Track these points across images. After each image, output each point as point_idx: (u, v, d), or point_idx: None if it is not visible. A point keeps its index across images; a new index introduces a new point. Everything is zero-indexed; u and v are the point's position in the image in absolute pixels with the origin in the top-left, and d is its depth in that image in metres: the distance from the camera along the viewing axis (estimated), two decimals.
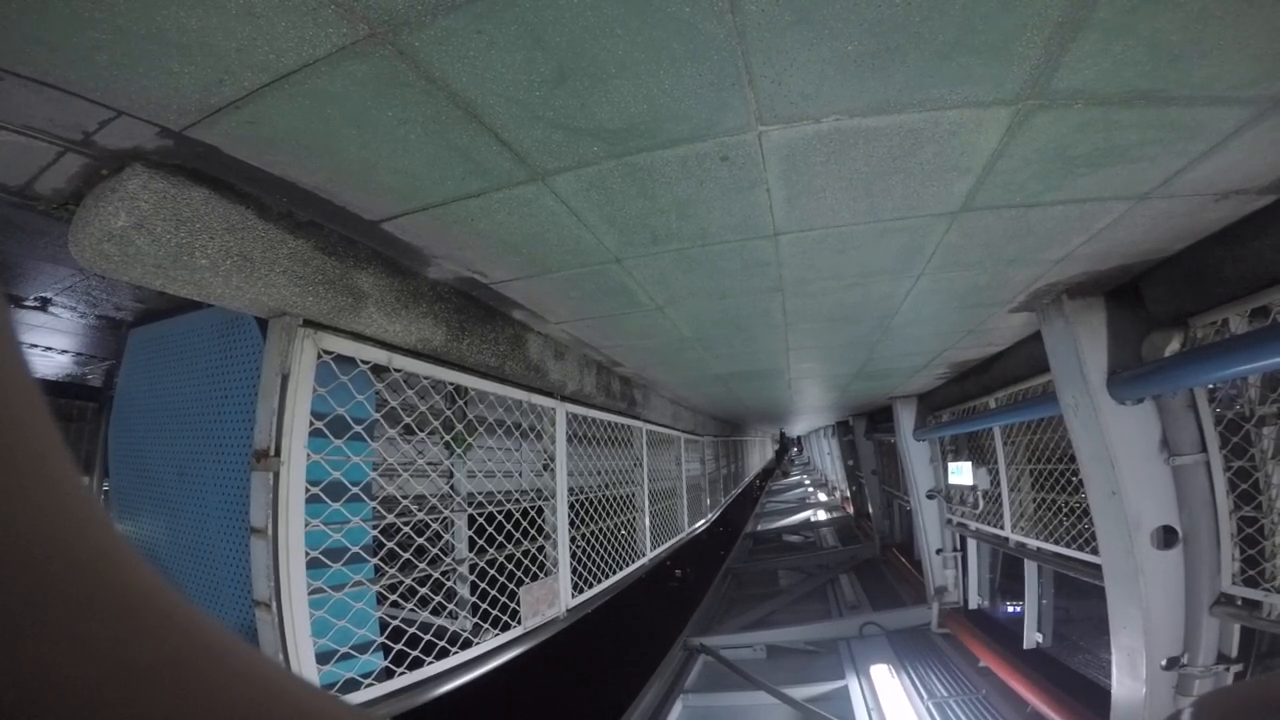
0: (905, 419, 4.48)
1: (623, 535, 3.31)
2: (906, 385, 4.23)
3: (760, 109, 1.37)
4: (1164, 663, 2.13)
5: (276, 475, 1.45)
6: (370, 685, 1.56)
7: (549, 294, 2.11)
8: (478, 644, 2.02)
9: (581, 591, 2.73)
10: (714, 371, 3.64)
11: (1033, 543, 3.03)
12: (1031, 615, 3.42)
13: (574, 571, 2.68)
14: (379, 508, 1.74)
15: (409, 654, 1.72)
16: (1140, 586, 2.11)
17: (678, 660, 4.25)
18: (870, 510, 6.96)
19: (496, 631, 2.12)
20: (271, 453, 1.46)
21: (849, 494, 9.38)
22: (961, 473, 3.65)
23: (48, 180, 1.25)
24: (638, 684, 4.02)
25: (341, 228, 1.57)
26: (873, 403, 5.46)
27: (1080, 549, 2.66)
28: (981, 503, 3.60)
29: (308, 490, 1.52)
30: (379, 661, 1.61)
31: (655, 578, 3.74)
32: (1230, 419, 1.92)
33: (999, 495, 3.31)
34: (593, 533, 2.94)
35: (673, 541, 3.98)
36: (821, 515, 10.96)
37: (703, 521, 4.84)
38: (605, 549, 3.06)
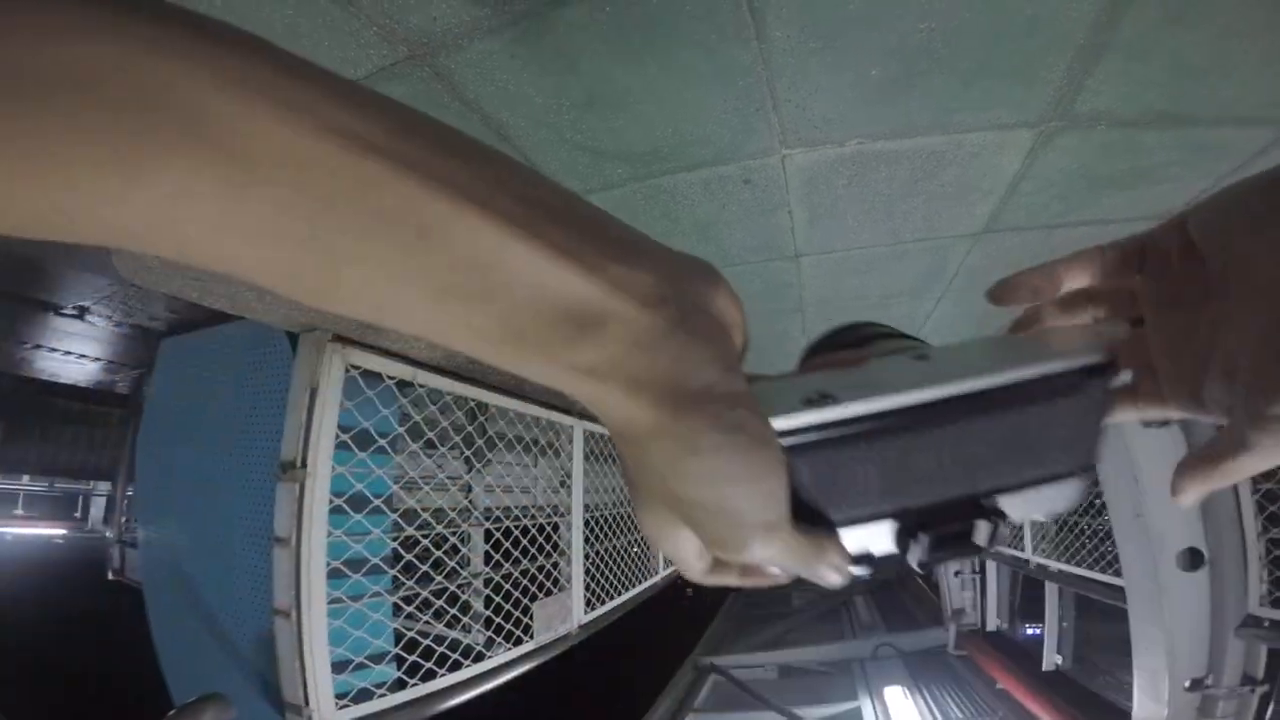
0: None
1: (636, 552, 3.30)
2: None
3: (784, 133, 1.40)
4: (1187, 684, 2.08)
5: (302, 487, 1.47)
6: (383, 695, 1.57)
7: None
8: (490, 657, 2.01)
9: (594, 608, 2.72)
10: None
11: (1054, 565, 2.99)
12: (1051, 637, 3.36)
13: (587, 588, 2.67)
14: (400, 520, 1.75)
15: (422, 665, 1.72)
16: (1164, 608, 2.08)
17: (687, 679, 4.21)
18: None
19: (509, 646, 2.11)
20: (298, 464, 1.49)
21: None
22: None
23: None
24: (646, 702, 3.98)
25: None
26: None
27: (1102, 571, 2.62)
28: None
29: (331, 502, 1.53)
30: (393, 672, 1.62)
31: (666, 595, 3.71)
32: None
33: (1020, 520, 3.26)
34: (607, 550, 2.94)
35: None
36: None
37: None
38: (619, 566, 3.05)
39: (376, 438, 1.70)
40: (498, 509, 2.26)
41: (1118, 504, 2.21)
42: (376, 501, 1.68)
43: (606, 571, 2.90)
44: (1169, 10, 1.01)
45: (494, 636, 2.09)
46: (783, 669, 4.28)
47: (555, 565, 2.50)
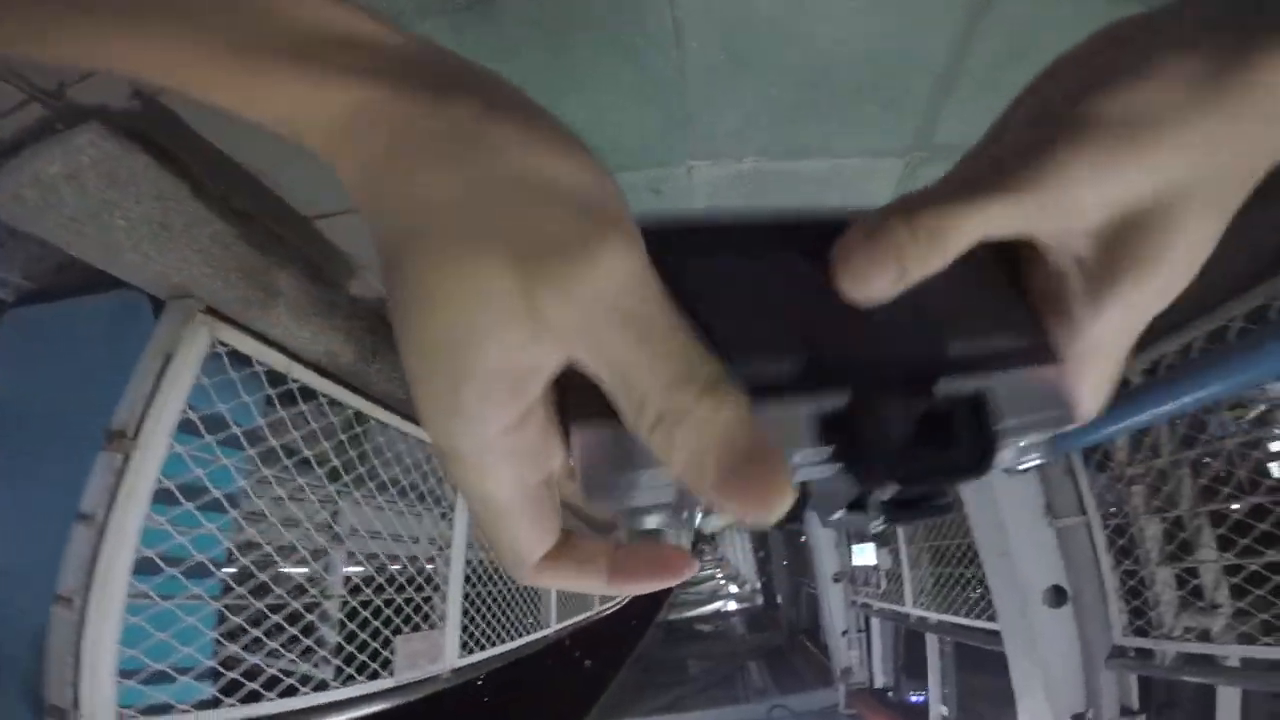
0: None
1: (526, 600, 3.07)
2: None
3: (692, 144, 1.47)
4: (1070, 719, 2.15)
5: (126, 459, 1.28)
6: (187, 713, 1.31)
7: None
8: (335, 687, 1.75)
9: (472, 652, 2.47)
10: None
11: (933, 616, 3.09)
12: (935, 689, 3.42)
13: (465, 630, 2.43)
14: (242, 519, 1.54)
15: (245, 685, 1.47)
16: (1038, 645, 2.18)
17: None
18: (779, 600, 7.06)
19: (363, 679, 1.85)
20: (129, 434, 1.29)
21: (759, 586, 9.41)
22: (864, 553, 3.74)
23: None
24: None
25: (273, 221, 1.48)
26: None
27: (977, 617, 2.73)
28: (884, 582, 3.67)
29: (160, 483, 1.33)
30: (205, 689, 1.36)
31: (560, 657, 3.46)
32: (1104, 482, 2.10)
33: (900, 574, 3.38)
34: (490, 593, 2.71)
35: (581, 617, 3.72)
36: (732, 605, 11.02)
37: (614, 604, 4.59)
38: (504, 611, 2.82)
39: (232, 425, 1.52)
40: (368, 550, 2.05)
41: (986, 545, 2.35)
42: (218, 493, 1.47)
43: (490, 615, 2.66)
44: (1013, 46, 1.17)
45: (344, 666, 1.83)
46: None
47: (428, 600, 2.27)
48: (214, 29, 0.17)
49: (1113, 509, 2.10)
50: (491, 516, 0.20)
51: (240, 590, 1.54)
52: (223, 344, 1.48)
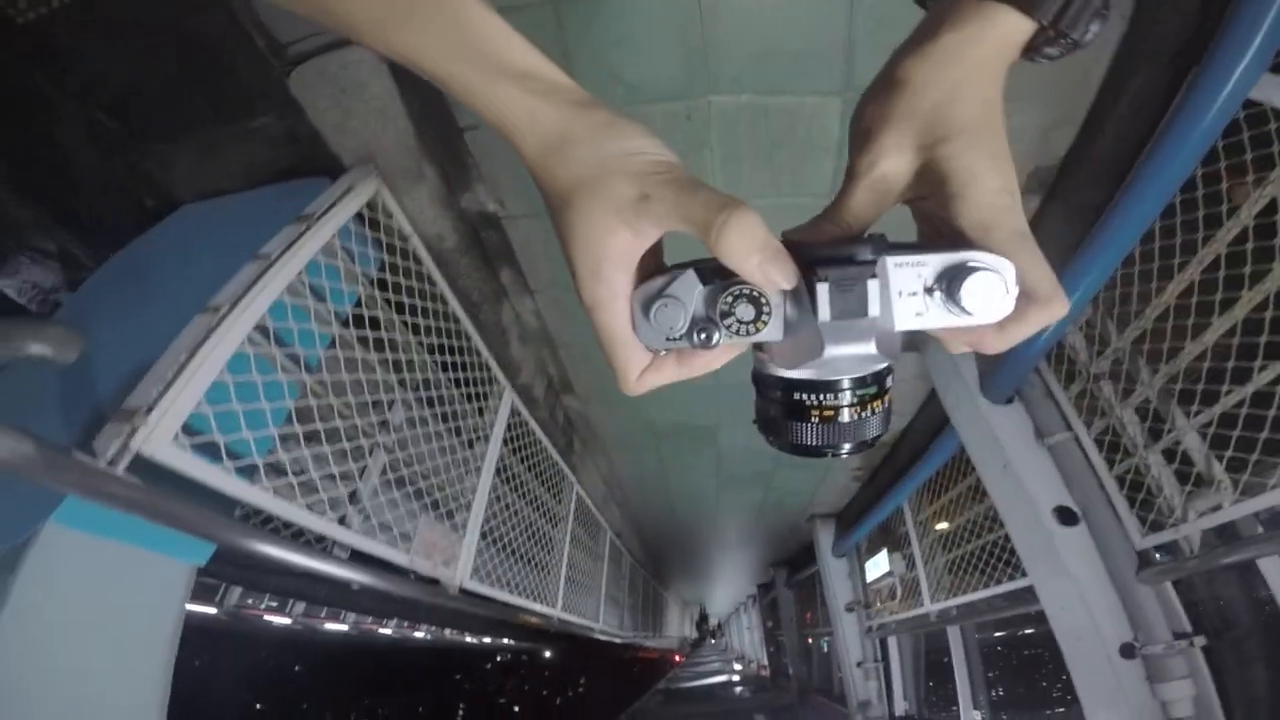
0: (824, 539, 4.55)
1: (536, 565, 3.02)
2: (825, 489, 4.34)
3: (709, 80, 1.84)
4: (1120, 650, 1.97)
5: (308, 228, 1.56)
6: (227, 469, 1.29)
7: (545, 242, 2.38)
8: (354, 531, 1.71)
9: (483, 582, 2.45)
10: (648, 418, 3.74)
11: (954, 603, 2.97)
12: (964, 692, 3.09)
13: (479, 555, 2.45)
14: (351, 314, 1.78)
15: (284, 475, 1.45)
16: (1060, 555, 2.10)
17: None
18: (789, 665, 6.41)
19: (383, 539, 1.88)
20: (315, 216, 1.59)
21: (766, 660, 8.42)
22: (879, 565, 3.64)
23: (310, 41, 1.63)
24: None
25: (435, 131, 1.94)
26: (795, 528, 5.41)
27: (996, 583, 2.65)
28: (899, 589, 3.53)
29: (317, 258, 1.60)
30: (259, 456, 1.38)
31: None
32: (1079, 391, 2.16)
33: (915, 577, 3.29)
34: (508, 536, 2.73)
35: (582, 622, 3.53)
36: (737, 678, 9.69)
37: (614, 635, 4.28)
38: (516, 562, 2.80)
39: (370, 256, 1.89)
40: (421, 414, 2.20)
41: (986, 465, 2.44)
42: (343, 288, 1.74)
43: (503, 555, 2.66)
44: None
45: (371, 516, 1.86)
46: None
47: (457, 498, 2.35)
48: (469, 60, 0.31)
49: (1093, 415, 2.12)
50: (614, 344, 0.34)
51: (324, 376, 1.71)
52: (379, 198, 1.88)
